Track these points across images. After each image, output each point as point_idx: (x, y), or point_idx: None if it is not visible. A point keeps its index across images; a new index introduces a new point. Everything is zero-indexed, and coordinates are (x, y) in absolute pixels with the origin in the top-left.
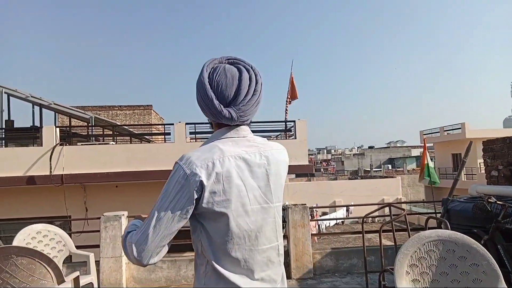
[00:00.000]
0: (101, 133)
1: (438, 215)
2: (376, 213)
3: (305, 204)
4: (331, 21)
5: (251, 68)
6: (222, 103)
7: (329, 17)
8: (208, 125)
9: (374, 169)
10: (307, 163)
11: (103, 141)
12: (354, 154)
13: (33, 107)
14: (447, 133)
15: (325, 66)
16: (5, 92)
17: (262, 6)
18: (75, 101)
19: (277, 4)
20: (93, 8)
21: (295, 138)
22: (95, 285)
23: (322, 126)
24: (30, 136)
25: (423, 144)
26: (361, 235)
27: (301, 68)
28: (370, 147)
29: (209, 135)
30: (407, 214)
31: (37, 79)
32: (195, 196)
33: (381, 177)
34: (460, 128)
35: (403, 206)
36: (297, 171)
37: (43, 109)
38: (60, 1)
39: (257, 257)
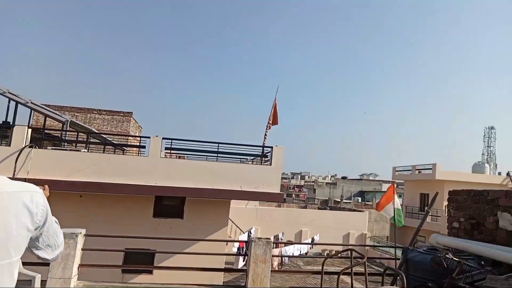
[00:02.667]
0: (75, 138)
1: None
2: (341, 248)
3: (269, 239)
4: (317, 49)
5: None
6: None
7: (315, 45)
8: (188, 142)
9: (344, 200)
10: (278, 192)
11: (76, 147)
12: (326, 183)
13: (8, 102)
14: (419, 172)
15: (309, 92)
16: None
17: (251, 27)
18: (54, 99)
19: (266, 27)
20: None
21: (270, 165)
22: None
23: (299, 151)
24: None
25: (394, 180)
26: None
27: (283, 92)
28: (344, 178)
29: (186, 152)
30: (369, 258)
31: (18, 74)
32: None
33: (350, 210)
34: (431, 169)
35: (366, 247)
36: (267, 199)
37: (19, 106)
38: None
39: None
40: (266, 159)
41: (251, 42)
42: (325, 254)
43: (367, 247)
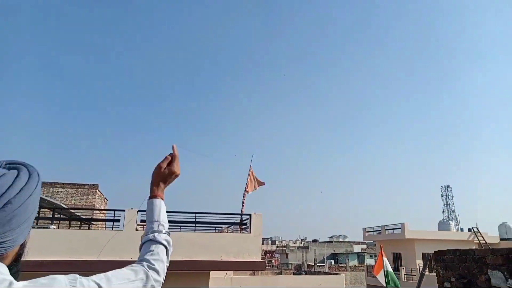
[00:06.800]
0: (42, 215)
1: None
2: None
3: None
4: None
5: (29, 174)
6: None
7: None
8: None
9: (318, 264)
10: (260, 260)
11: (39, 224)
12: (298, 247)
13: None
14: (388, 232)
15: (275, 158)
16: None
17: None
18: None
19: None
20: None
21: (250, 232)
22: None
23: (268, 215)
24: None
25: (365, 241)
26: None
27: (246, 157)
28: (314, 241)
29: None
30: None
31: None
32: None
33: (325, 273)
34: (400, 228)
35: None
36: (249, 268)
37: None
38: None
39: None
40: (245, 226)
41: (224, 109)
42: None
43: None
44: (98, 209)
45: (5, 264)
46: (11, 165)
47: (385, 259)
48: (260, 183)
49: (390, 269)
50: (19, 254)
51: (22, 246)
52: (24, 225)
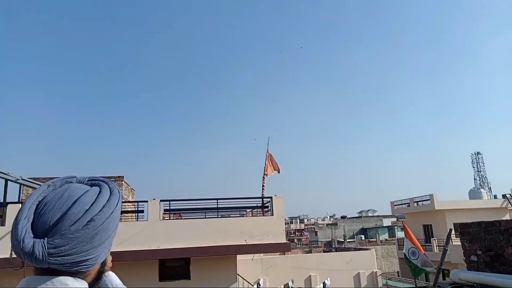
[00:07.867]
0: None
1: None
2: None
3: None
4: (305, 94)
5: (111, 192)
6: (38, 231)
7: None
8: (187, 201)
9: (347, 240)
10: (284, 241)
11: None
12: (327, 224)
13: None
14: (417, 204)
15: (297, 138)
16: None
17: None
18: (42, 172)
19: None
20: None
21: (272, 215)
22: None
23: (295, 195)
24: None
25: (395, 215)
26: None
27: (276, 140)
28: (343, 217)
29: (187, 212)
30: None
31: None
32: None
33: (355, 249)
34: (429, 200)
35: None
36: (274, 250)
37: (9, 183)
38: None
39: None
40: (267, 209)
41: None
42: None
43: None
44: (125, 201)
45: (87, 281)
46: (93, 182)
47: (406, 240)
48: (276, 169)
49: (409, 256)
50: (100, 271)
51: (103, 263)
52: (105, 243)
